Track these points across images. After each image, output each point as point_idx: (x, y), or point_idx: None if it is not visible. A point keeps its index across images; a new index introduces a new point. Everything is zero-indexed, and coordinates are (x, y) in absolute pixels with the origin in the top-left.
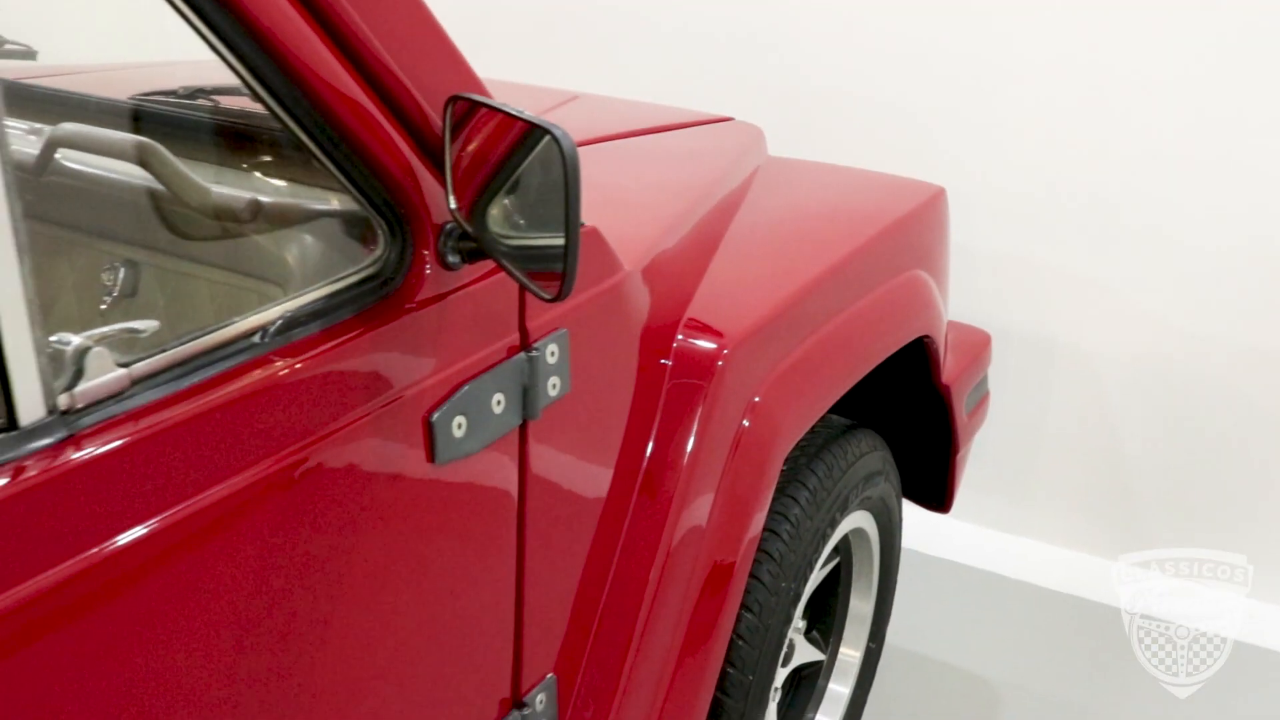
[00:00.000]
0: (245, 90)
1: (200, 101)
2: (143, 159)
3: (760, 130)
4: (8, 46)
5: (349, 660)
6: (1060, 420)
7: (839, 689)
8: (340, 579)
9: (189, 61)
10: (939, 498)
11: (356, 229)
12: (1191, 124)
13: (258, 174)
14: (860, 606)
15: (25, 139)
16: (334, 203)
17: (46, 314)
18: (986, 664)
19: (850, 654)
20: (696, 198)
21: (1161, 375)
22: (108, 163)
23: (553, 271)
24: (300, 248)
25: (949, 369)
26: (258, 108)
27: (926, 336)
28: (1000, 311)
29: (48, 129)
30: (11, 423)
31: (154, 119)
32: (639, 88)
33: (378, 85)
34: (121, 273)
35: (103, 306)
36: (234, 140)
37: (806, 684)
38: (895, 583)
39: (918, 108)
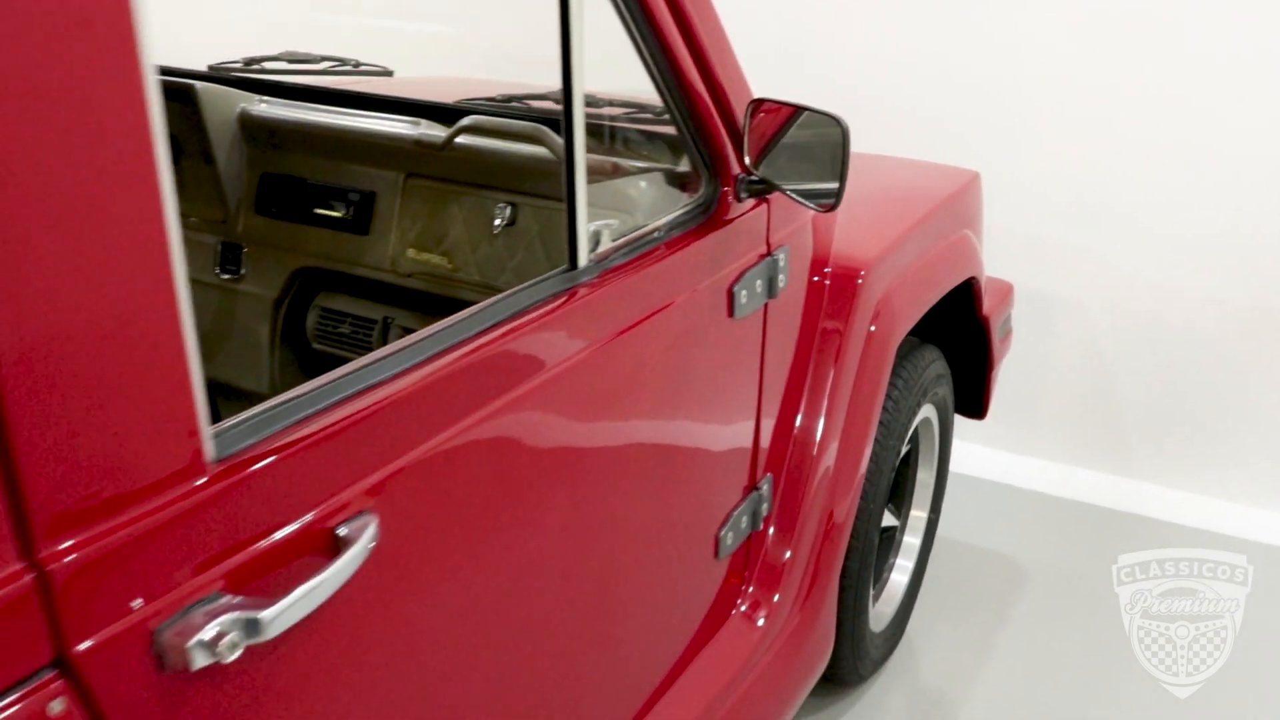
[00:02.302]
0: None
1: (513, 104)
2: (535, 137)
3: None
4: (364, 67)
5: (690, 438)
6: (1059, 361)
7: (911, 540)
8: (690, 377)
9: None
10: (977, 407)
11: (671, 179)
12: (1164, 128)
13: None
14: (925, 477)
15: (433, 128)
16: (658, 163)
17: (442, 238)
18: (1006, 547)
19: (918, 514)
20: None
21: (1140, 322)
22: (487, 140)
23: (821, 203)
24: (638, 190)
25: (987, 304)
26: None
27: (973, 278)
28: (1015, 273)
29: (417, 125)
30: (573, 264)
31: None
32: None
33: (715, 94)
34: (507, 210)
35: (494, 232)
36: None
37: (884, 543)
38: (949, 463)
39: (945, 113)
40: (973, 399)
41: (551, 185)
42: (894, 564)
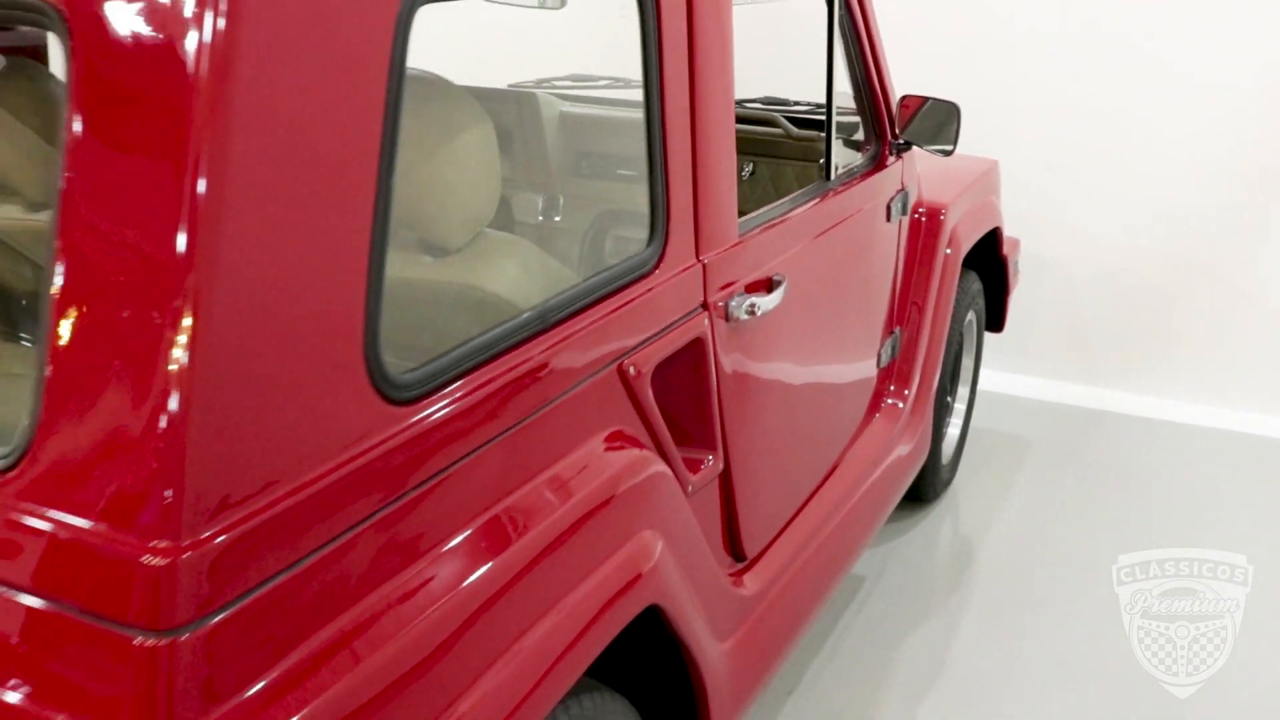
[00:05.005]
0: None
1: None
2: (770, 120)
3: None
4: (619, 81)
5: (873, 288)
6: (1046, 303)
7: (960, 407)
8: (871, 253)
9: None
10: (997, 323)
11: (852, 143)
12: (1124, 140)
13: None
14: (968, 363)
15: None
16: (843, 134)
17: None
18: (1013, 433)
19: (963, 391)
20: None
21: (1105, 273)
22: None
23: (941, 152)
24: (828, 150)
25: (1005, 248)
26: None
27: (998, 228)
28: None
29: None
30: (827, 177)
31: None
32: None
33: (883, 90)
34: (750, 166)
35: (742, 178)
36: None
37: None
38: (982, 354)
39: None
40: (993, 318)
41: (777, 149)
42: (950, 422)
